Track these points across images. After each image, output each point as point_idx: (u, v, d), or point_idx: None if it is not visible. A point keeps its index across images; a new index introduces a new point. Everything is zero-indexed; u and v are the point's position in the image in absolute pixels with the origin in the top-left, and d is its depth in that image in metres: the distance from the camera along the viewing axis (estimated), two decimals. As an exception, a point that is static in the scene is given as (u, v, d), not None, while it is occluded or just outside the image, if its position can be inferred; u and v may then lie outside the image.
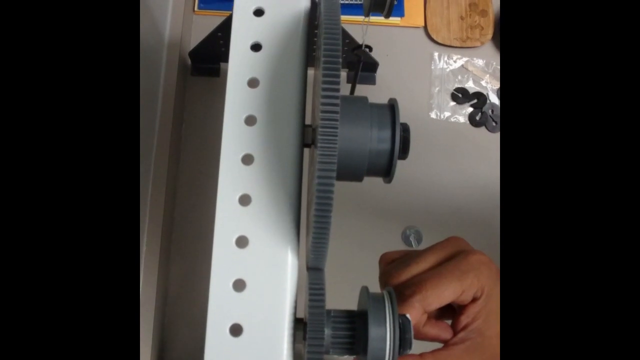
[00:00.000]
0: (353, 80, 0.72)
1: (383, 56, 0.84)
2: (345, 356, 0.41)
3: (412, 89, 0.85)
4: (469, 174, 0.82)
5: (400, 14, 0.88)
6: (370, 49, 0.74)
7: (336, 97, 0.36)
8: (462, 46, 0.87)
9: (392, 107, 0.41)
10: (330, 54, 0.36)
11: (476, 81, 0.86)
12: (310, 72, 0.46)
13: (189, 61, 0.84)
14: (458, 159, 0.83)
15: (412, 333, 0.40)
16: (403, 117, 0.41)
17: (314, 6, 0.47)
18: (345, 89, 0.80)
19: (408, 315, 0.41)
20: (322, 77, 0.36)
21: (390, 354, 0.39)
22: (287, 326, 0.40)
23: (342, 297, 0.44)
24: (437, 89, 0.85)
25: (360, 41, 0.69)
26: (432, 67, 0.86)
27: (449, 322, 0.46)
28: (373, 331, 0.39)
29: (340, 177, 0.40)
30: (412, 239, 0.78)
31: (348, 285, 0.50)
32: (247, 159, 0.43)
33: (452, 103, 0.85)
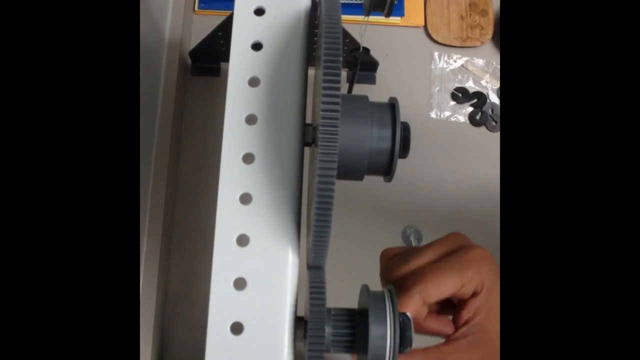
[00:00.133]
0: (350, 81, 0.72)
1: (383, 56, 0.84)
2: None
3: (412, 88, 0.85)
4: (469, 173, 0.82)
5: (401, 13, 0.88)
6: (368, 50, 0.74)
7: (337, 96, 0.36)
8: (462, 46, 0.87)
9: (392, 105, 0.42)
10: (330, 53, 0.36)
11: (476, 81, 0.86)
12: (311, 71, 0.46)
13: (189, 61, 0.84)
14: (458, 159, 0.83)
15: (413, 331, 0.40)
16: (403, 117, 0.42)
17: (315, 5, 0.47)
18: (345, 88, 0.81)
19: (409, 314, 0.41)
20: (322, 76, 0.36)
21: (391, 352, 0.39)
22: (288, 324, 0.40)
23: (342, 295, 0.44)
24: (437, 88, 0.86)
25: (361, 41, 0.69)
26: (432, 67, 0.87)
27: (450, 317, 0.46)
28: (373, 329, 0.39)
29: (341, 175, 0.40)
30: (412, 238, 0.78)
31: (348, 283, 0.50)
32: (248, 158, 0.43)
33: (452, 102, 0.85)
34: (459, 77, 0.86)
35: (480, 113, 0.85)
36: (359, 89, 0.82)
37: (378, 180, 0.44)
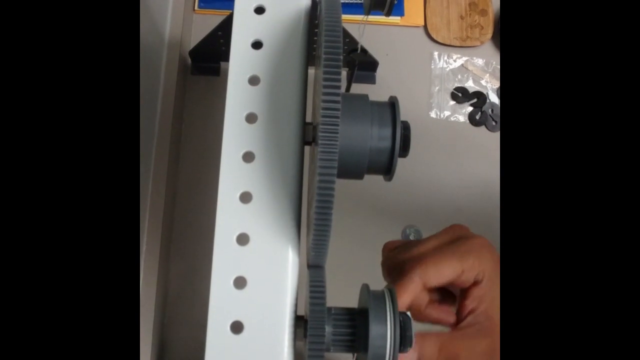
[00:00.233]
0: (348, 82, 0.72)
1: (383, 55, 0.84)
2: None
3: (412, 88, 0.85)
4: (468, 173, 0.82)
5: (400, 13, 0.88)
6: (366, 52, 0.74)
7: (337, 95, 0.36)
8: (462, 45, 0.87)
9: (392, 104, 0.42)
10: (331, 52, 0.36)
11: (476, 80, 0.86)
12: (311, 71, 0.46)
13: (189, 60, 0.84)
14: (458, 158, 0.83)
15: (413, 331, 0.40)
16: (403, 116, 0.42)
17: (315, 5, 0.47)
18: (344, 88, 0.81)
19: (409, 313, 0.41)
20: (323, 75, 0.36)
21: (391, 352, 0.39)
22: (288, 324, 0.40)
23: (342, 294, 0.44)
24: (437, 88, 0.86)
25: (359, 41, 0.69)
26: (432, 67, 0.87)
27: (453, 309, 0.46)
28: (374, 329, 0.39)
29: (341, 174, 0.40)
30: (412, 237, 0.78)
31: (349, 282, 0.50)
32: (248, 157, 0.43)
33: (452, 102, 0.85)
34: (459, 76, 0.86)
35: (480, 113, 0.85)
36: (359, 89, 0.82)
37: (378, 179, 0.44)
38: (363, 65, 0.80)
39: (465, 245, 0.45)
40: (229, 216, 0.42)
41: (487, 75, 0.86)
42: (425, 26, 0.88)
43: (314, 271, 0.41)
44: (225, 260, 0.41)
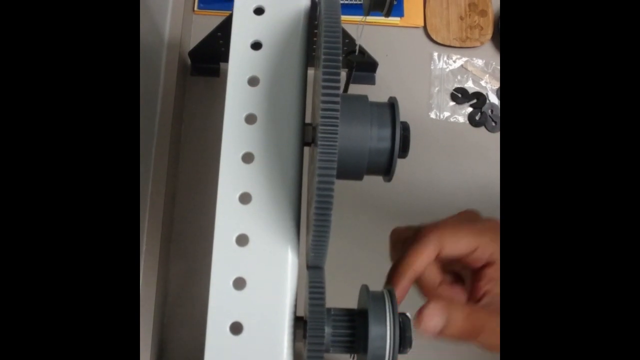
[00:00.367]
0: (346, 82, 0.72)
1: (382, 56, 0.84)
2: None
3: (411, 89, 0.85)
4: (468, 174, 0.82)
5: (400, 14, 0.88)
6: (364, 53, 0.74)
7: (336, 96, 0.36)
8: (462, 46, 0.87)
9: (392, 105, 0.42)
10: (330, 52, 0.36)
11: (476, 81, 0.86)
12: (310, 71, 0.46)
13: (188, 61, 0.84)
14: (458, 159, 0.83)
15: (412, 331, 0.40)
16: (402, 117, 0.42)
17: (314, 5, 0.47)
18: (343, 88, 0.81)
19: (408, 314, 0.41)
20: (322, 76, 0.36)
21: (390, 353, 0.39)
22: (287, 324, 0.40)
23: (342, 295, 0.44)
24: (436, 89, 0.86)
25: (357, 42, 0.69)
26: (432, 67, 0.87)
27: None
28: (373, 329, 0.39)
29: (340, 175, 0.40)
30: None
31: (348, 283, 0.50)
32: (248, 158, 0.43)
33: (452, 103, 0.85)
34: (459, 77, 0.86)
35: (479, 113, 0.85)
36: (359, 89, 0.82)
37: (378, 180, 0.44)
38: (363, 66, 0.80)
39: (481, 224, 0.44)
40: (229, 217, 0.42)
41: (487, 75, 0.86)
42: (424, 27, 0.88)
43: (313, 272, 0.41)
44: (224, 261, 0.41)
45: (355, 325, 0.41)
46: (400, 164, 0.41)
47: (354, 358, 0.43)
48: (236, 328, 0.40)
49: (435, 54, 0.87)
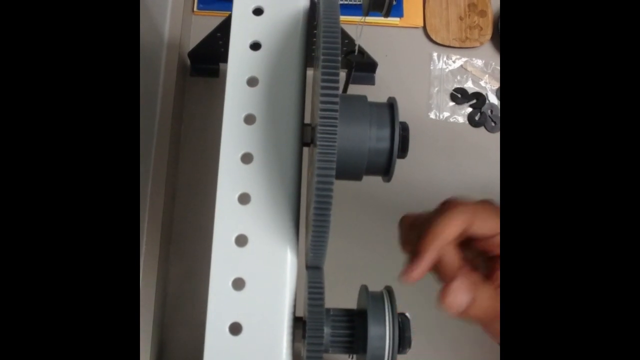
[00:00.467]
0: (346, 82, 0.72)
1: (382, 56, 0.84)
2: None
3: (411, 89, 0.85)
4: (468, 174, 0.82)
5: (400, 14, 0.88)
6: (363, 54, 0.74)
7: (335, 96, 0.36)
8: (461, 46, 0.87)
9: (391, 105, 0.42)
10: (329, 53, 0.36)
11: (475, 81, 0.86)
12: (310, 72, 0.46)
13: (188, 62, 0.84)
14: (457, 159, 0.83)
15: (411, 332, 0.40)
16: (402, 117, 0.42)
17: (313, 6, 0.47)
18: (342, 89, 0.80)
19: (408, 314, 0.41)
20: (321, 76, 0.36)
21: (390, 353, 0.39)
22: (287, 325, 0.40)
23: (341, 296, 0.44)
24: (436, 89, 0.86)
25: (356, 42, 0.69)
26: (431, 68, 0.87)
27: None
28: (372, 330, 0.39)
29: (340, 175, 0.40)
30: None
31: (347, 284, 0.50)
32: (247, 158, 0.43)
33: (451, 103, 0.85)
34: (458, 77, 0.86)
35: (479, 114, 0.85)
36: (358, 90, 0.82)
37: (377, 180, 0.44)
38: (362, 66, 0.80)
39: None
40: (228, 217, 0.42)
41: (487, 76, 0.86)
42: (424, 27, 0.88)
43: (312, 272, 0.41)
44: (223, 261, 0.41)
45: (354, 325, 0.41)
46: (400, 164, 0.41)
47: (353, 358, 0.43)
48: (235, 328, 0.40)
49: (435, 54, 0.87)
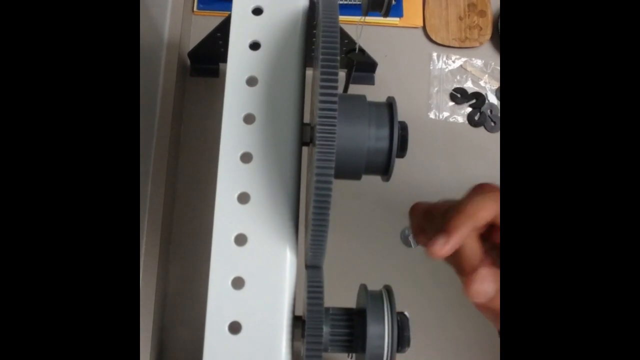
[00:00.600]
0: (346, 82, 0.72)
1: (382, 56, 0.84)
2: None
3: (410, 89, 0.85)
4: (467, 174, 0.82)
5: (399, 14, 0.88)
6: (364, 52, 0.74)
7: (334, 95, 0.36)
8: (461, 46, 0.87)
9: (390, 105, 0.42)
10: (328, 52, 0.36)
11: (475, 81, 0.86)
12: (309, 72, 0.46)
13: (188, 62, 0.84)
14: (457, 159, 0.83)
15: (410, 331, 0.40)
16: (402, 117, 0.42)
17: (313, 5, 0.47)
18: (343, 89, 0.80)
19: (406, 313, 0.41)
20: (320, 75, 0.36)
21: (389, 352, 0.39)
22: (286, 324, 0.40)
23: (340, 295, 0.45)
24: (435, 89, 0.86)
25: (357, 41, 0.69)
26: (431, 68, 0.87)
27: None
28: (371, 329, 0.39)
29: (339, 175, 0.40)
30: (410, 238, 0.78)
31: (347, 283, 0.50)
32: (246, 157, 0.43)
33: (451, 103, 0.85)
34: (458, 77, 0.86)
35: (478, 113, 0.85)
36: (358, 90, 0.82)
37: (377, 180, 0.44)
38: (362, 66, 0.80)
39: None
40: (227, 217, 0.42)
41: (486, 76, 0.86)
42: (424, 27, 0.88)
43: (311, 271, 0.42)
44: (223, 260, 0.41)
45: (353, 324, 0.41)
46: (400, 164, 0.41)
47: (352, 357, 0.44)
48: (235, 327, 0.40)
49: (435, 54, 0.87)
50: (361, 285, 0.44)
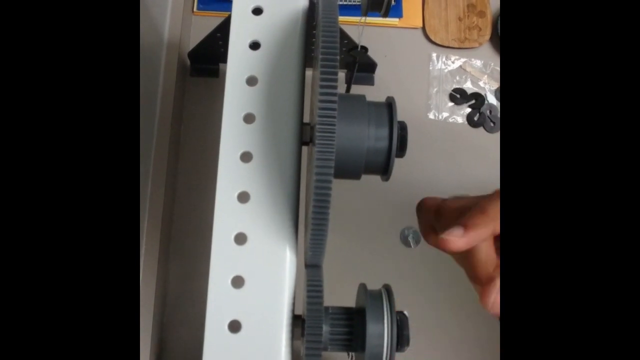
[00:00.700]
0: (348, 81, 0.72)
1: (381, 57, 0.84)
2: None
3: (410, 89, 0.86)
4: (467, 174, 0.82)
5: (399, 14, 0.88)
6: (366, 49, 0.74)
7: (334, 95, 0.36)
8: (460, 47, 0.87)
9: (389, 105, 0.42)
10: (327, 52, 0.37)
11: (474, 82, 0.86)
12: (309, 72, 0.47)
13: (188, 62, 0.84)
14: (456, 160, 0.83)
15: (410, 329, 0.40)
16: (401, 118, 0.42)
17: (312, 6, 0.47)
18: (343, 89, 0.81)
19: (406, 312, 0.41)
20: (319, 75, 0.36)
21: (388, 351, 0.39)
22: (286, 323, 0.40)
23: (340, 294, 0.45)
24: (435, 89, 0.86)
25: (359, 42, 0.69)
26: (430, 68, 0.87)
27: None
28: (371, 328, 0.39)
29: (338, 174, 0.41)
30: (410, 239, 0.78)
31: (346, 282, 0.50)
32: (246, 157, 0.43)
33: (450, 104, 0.85)
34: (457, 78, 0.86)
35: (478, 114, 0.85)
36: (357, 90, 0.83)
37: (376, 180, 0.45)
38: (361, 66, 0.80)
39: None
40: (227, 216, 0.42)
41: (485, 76, 0.87)
42: (423, 28, 0.88)
43: (311, 270, 0.42)
44: (223, 259, 0.41)
45: (353, 323, 0.41)
46: (399, 164, 0.41)
47: (352, 357, 0.44)
48: (234, 326, 0.40)
49: (434, 55, 0.87)
50: (361, 284, 0.44)
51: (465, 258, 0.42)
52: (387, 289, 0.42)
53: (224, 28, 0.73)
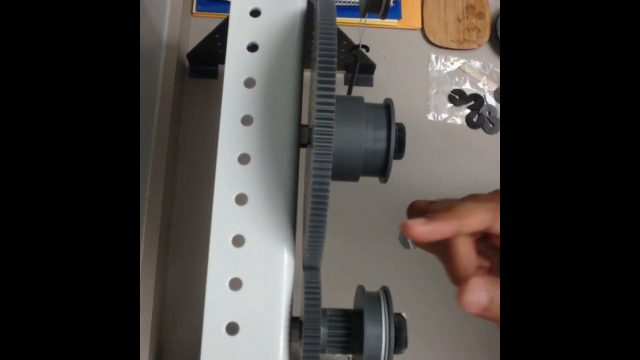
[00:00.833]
0: (350, 81, 0.72)
1: (380, 58, 0.84)
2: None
3: (409, 90, 0.86)
4: (466, 175, 0.82)
5: (398, 16, 0.88)
6: (367, 49, 0.74)
7: (331, 97, 0.36)
8: (459, 48, 0.87)
9: (387, 107, 0.42)
10: (325, 54, 0.37)
11: (473, 83, 0.87)
12: (307, 74, 0.47)
13: (186, 63, 0.84)
14: (455, 161, 0.83)
15: (408, 331, 0.40)
16: (400, 119, 0.42)
17: (310, 7, 0.47)
18: (342, 90, 0.81)
19: (404, 314, 0.41)
20: (317, 77, 0.36)
21: (386, 353, 0.39)
22: (283, 325, 0.40)
23: (338, 296, 0.45)
24: (434, 90, 0.86)
25: (356, 43, 0.69)
26: (429, 69, 0.87)
27: None
28: (369, 330, 0.39)
29: (336, 176, 0.41)
30: (408, 240, 0.78)
31: (344, 284, 0.50)
32: (244, 159, 0.43)
33: (449, 105, 0.85)
34: (456, 79, 0.86)
35: (477, 115, 0.85)
36: (356, 91, 0.82)
37: (375, 182, 0.45)
38: (360, 67, 0.80)
39: None
40: (225, 218, 0.42)
41: (484, 77, 0.87)
42: (422, 29, 0.88)
43: (309, 272, 0.42)
44: (220, 261, 0.41)
45: (351, 325, 0.41)
46: (398, 166, 0.41)
47: (350, 359, 0.44)
48: (232, 328, 0.40)
49: (433, 56, 0.87)
50: (358, 286, 0.44)
51: (447, 259, 0.43)
52: (385, 290, 0.42)
53: (222, 29, 0.73)
